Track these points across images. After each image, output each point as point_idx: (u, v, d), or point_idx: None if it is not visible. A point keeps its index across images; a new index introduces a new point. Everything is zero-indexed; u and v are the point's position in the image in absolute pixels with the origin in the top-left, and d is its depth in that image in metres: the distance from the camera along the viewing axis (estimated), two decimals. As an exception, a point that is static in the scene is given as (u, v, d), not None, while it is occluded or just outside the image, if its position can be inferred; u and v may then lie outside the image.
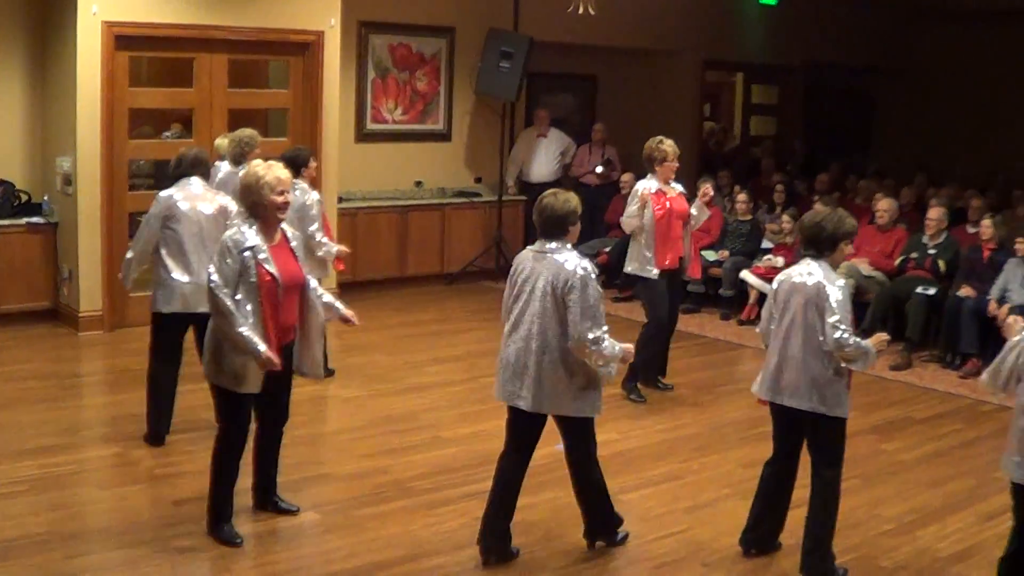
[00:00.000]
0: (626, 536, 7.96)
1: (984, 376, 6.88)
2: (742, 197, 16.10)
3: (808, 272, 7.26)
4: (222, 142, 12.05)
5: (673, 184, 11.39)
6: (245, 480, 8.08)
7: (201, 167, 9.67)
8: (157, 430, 9.55)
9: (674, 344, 11.91)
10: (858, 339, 7.12)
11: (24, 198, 13.21)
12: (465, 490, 8.78)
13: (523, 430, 7.49)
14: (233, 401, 7.59)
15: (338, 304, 8.04)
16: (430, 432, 10.14)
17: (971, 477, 9.58)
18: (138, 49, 13.12)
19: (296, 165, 10.92)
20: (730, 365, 13.29)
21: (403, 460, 9.29)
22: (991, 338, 12.85)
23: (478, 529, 7.67)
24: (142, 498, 8.40)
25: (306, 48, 14.26)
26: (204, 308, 8.36)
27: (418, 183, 16.64)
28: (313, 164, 11.31)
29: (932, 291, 13.41)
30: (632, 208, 11.17)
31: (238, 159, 11.32)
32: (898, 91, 23.74)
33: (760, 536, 7.75)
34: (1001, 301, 12.84)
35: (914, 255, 13.98)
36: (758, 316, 14.56)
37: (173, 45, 13.30)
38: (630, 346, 7.45)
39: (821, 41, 21.58)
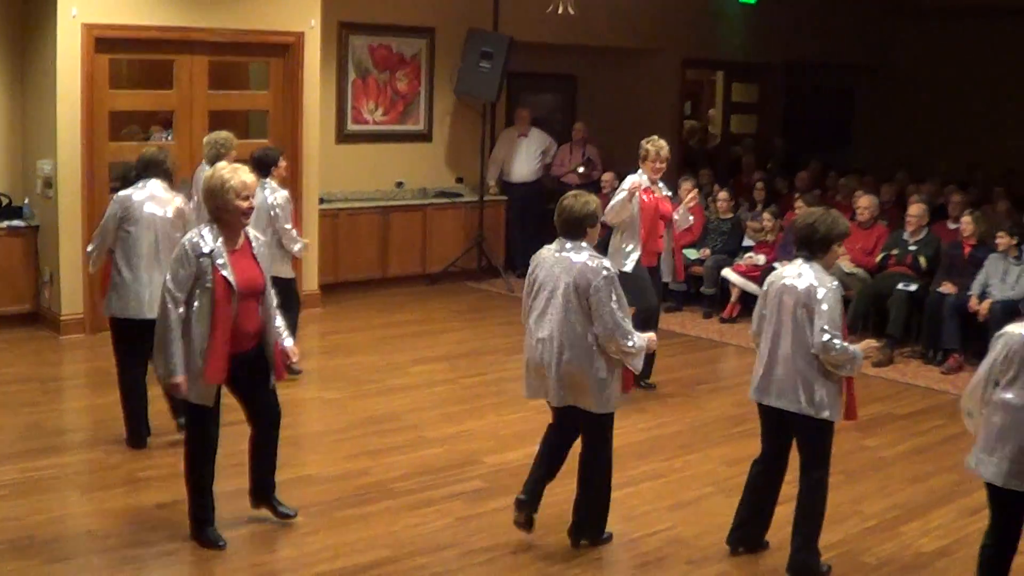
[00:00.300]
0: (610, 536, 7.96)
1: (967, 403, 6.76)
2: (723, 195, 16.12)
3: (799, 273, 7.23)
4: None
5: (660, 185, 11.37)
6: (238, 482, 8.08)
7: (157, 168, 9.59)
8: (137, 433, 9.52)
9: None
10: (846, 344, 7.11)
11: (5, 201, 13.17)
12: (448, 490, 8.77)
13: (557, 417, 7.78)
14: (199, 410, 7.56)
15: (287, 340, 7.86)
16: (413, 433, 10.13)
17: (954, 472, 9.59)
18: (118, 51, 13.08)
19: (265, 165, 10.97)
20: (712, 363, 13.30)
21: (386, 461, 9.28)
22: (972, 334, 12.90)
23: (463, 529, 7.71)
24: (124, 501, 8.36)
25: (286, 49, 14.23)
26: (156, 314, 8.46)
27: (399, 184, 16.63)
28: (283, 164, 11.34)
29: (913, 287, 13.44)
30: (618, 198, 11.07)
31: (214, 161, 11.29)
32: (878, 88, 23.80)
33: (748, 535, 7.74)
34: (982, 297, 12.87)
35: (895, 251, 14.01)
36: (740, 314, 14.77)
37: (153, 47, 13.26)
38: (652, 335, 7.70)
39: (801, 39, 21.60)
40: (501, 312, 15.14)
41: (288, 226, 10.96)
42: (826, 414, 7.20)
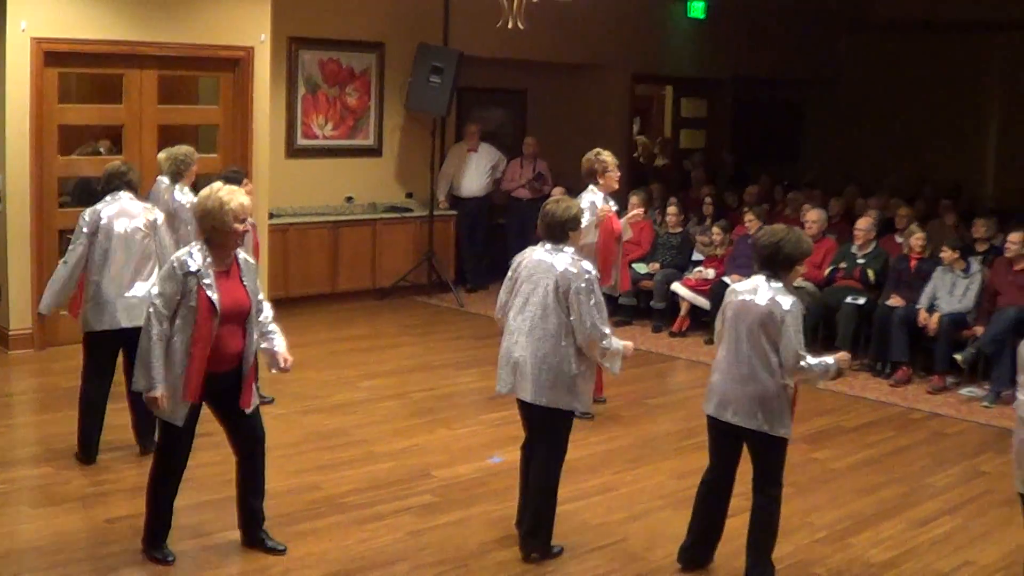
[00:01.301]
0: (560, 551, 7.97)
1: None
2: (672, 210, 16.17)
3: (759, 290, 7.24)
4: (163, 157, 11.96)
5: (610, 202, 11.27)
6: (192, 496, 8.04)
7: (121, 179, 9.54)
8: (89, 448, 9.48)
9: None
10: (817, 359, 7.17)
11: (-48, 216, 13.11)
12: (398, 505, 8.76)
13: (528, 420, 7.98)
14: (169, 428, 7.55)
15: (278, 346, 7.91)
16: (362, 448, 10.11)
17: (903, 484, 9.66)
18: (67, 65, 13.01)
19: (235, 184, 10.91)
20: (662, 377, 13.33)
21: (336, 476, 9.26)
22: (920, 346, 12.99)
23: (413, 543, 7.73)
24: (73, 517, 8.31)
25: (236, 64, 14.20)
26: (133, 324, 8.63)
27: (349, 198, 16.60)
28: (248, 185, 11.25)
29: (862, 301, 13.53)
30: (587, 221, 10.57)
31: (175, 176, 11.28)
32: (826, 103, 23.94)
33: (700, 553, 7.75)
34: (930, 310, 12.97)
35: (843, 265, 14.09)
36: (689, 328, 14.83)
37: (102, 61, 13.20)
38: (630, 343, 7.91)
39: (749, 54, 21.74)
40: (451, 327, 15.15)
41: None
42: (782, 432, 7.22)
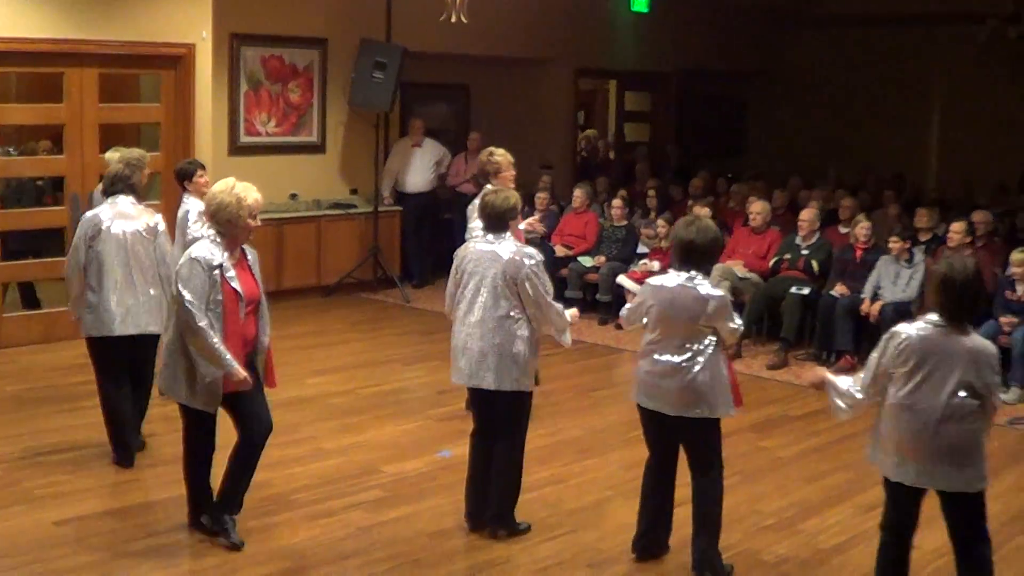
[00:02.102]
0: (528, 527, 8.14)
1: (859, 395, 6.84)
2: (617, 203, 16.19)
3: (682, 280, 7.37)
4: (112, 156, 11.87)
5: None
6: (138, 496, 8.01)
7: (123, 183, 9.46)
8: (125, 449, 9.39)
9: (553, 350, 11.85)
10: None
11: None
12: (348, 500, 8.75)
13: (486, 409, 8.06)
14: (206, 420, 7.73)
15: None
16: (311, 444, 10.07)
17: (849, 471, 9.72)
18: (6, 64, 12.93)
19: (184, 177, 10.87)
20: (609, 369, 13.36)
21: (285, 473, 9.23)
22: (865, 335, 13.07)
23: (364, 538, 7.76)
24: (22, 520, 8.24)
25: (177, 61, 14.14)
26: (129, 331, 8.91)
27: (293, 195, 16.54)
28: (203, 176, 11.15)
29: (806, 291, 13.60)
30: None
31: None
32: (769, 96, 24.06)
33: (653, 541, 7.76)
34: (874, 299, 13.06)
35: (788, 256, 14.16)
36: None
37: (42, 60, 13.09)
38: (575, 310, 8.26)
39: (693, 48, 21.81)
40: (397, 323, 15.14)
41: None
42: (720, 412, 7.34)
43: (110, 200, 9.42)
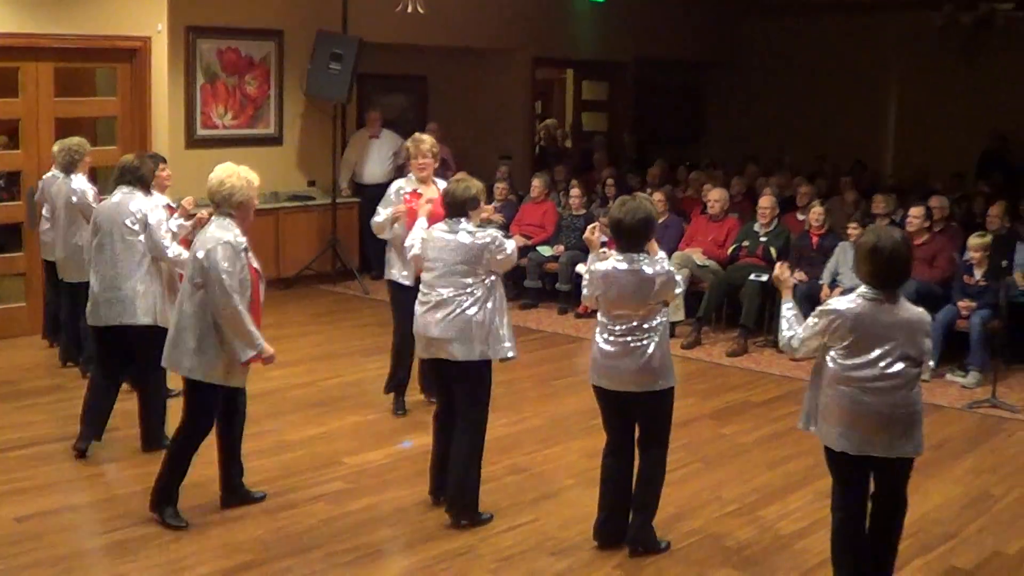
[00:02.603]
0: (491, 517, 8.19)
1: (794, 342, 6.99)
2: (575, 192, 16.20)
3: (625, 264, 7.53)
4: (54, 149, 11.86)
5: (437, 183, 10.49)
6: (99, 492, 7.97)
7: (133, 174, 9.58)
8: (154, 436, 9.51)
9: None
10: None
11: None
12: (311, 492, 8.74)
13: (451, 383, 8.21)
14: (216, 394, 8.03)
15: None
16: (273, 437, 10.04)
17: (809, 456, 9.73)
18: (-40, 60, 12.88)
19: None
20: (569, 358, 13.36)
21: (248, 465, 9.13)
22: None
23: (327, 530, 7.77)
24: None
25: (133, 55, 14.08)
26: (110, 323, 9.26)
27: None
28: (165, 170, 11.08)
29: (765, 278, 13.63)
30: (383, 216, 10.68)
31: (67, 168, 11.23)
32: (726, 84, 24.14)
33: (615, 527, 7.77)
34: (832, 285, 13.12)
35: (746, 243, 14.21)
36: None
37: (-3, 54, 13.06)
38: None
39: (649, 37, 21.84)
40: (357, 314, 15.11)
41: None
42: (670, 382, 7.52)
43: (117, 190, 9.55)
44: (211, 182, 7.95)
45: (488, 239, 8.02)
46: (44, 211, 11.75)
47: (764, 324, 13.75)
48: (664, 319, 7.55)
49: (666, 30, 22.02)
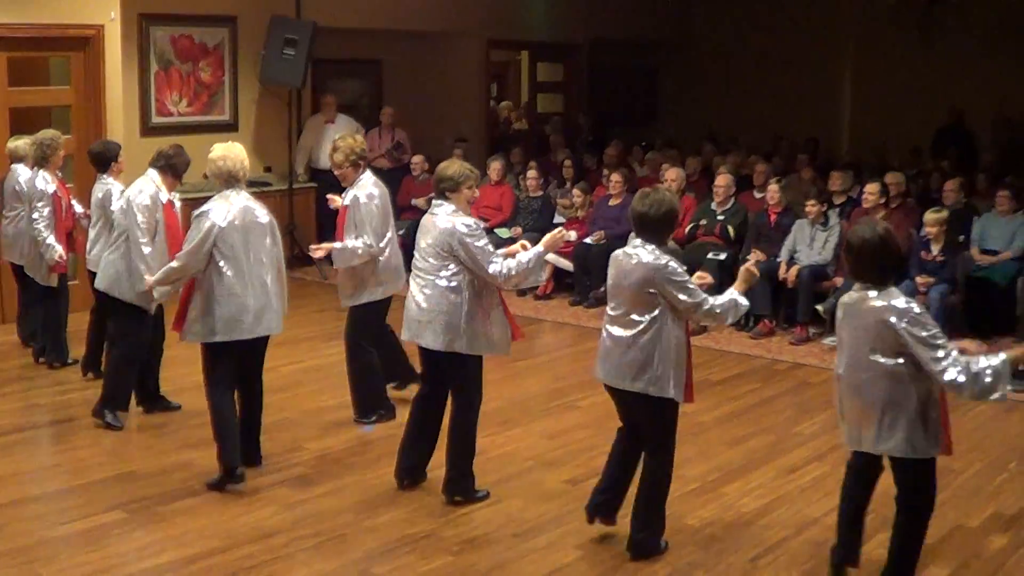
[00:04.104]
0: (487, 494, 8.31)
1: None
2: (532, 174, 16.23)
3: (627, 248, 7.31)
4: (17, 144, 11.76)
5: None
6: (64, 481, 7.95)
7: (159, 160, 10.02)
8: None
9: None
10: (715, 299, 7.30)
11: None
12: (272, 478, 8.74)
13: (429, 367, 8.38)
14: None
15: None
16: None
17: (770, 434, 9.82)
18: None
19: (105, 160, 10.77)
20: (529, 340, 13.29)
21: (208, 453, 9.12)
22: (782, 299, 13.19)
23: (289, 515, 7.81)
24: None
25: (86, 43, 14.01)
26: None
27: (207, 175, 16.38)
28: (123, 159, 11.09)
29: (723, 256, 13.68)
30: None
31: (41, 162, 11.19)
32: (680, 64, 24.17)
33: (606, 503, 7.69)
34: (790, 263, 13.17)
35: (704, 222, 14.25)
36: (554, 291, 14.91)
37: (-52, 45, 12.97)
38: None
39: (603, 18, 21.84)
40: (315, 300, 15.08)
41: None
42: (668, 393, 7.21)
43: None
44: (213, 162, 8.72)
45: (462, 227, 8.02)
46: (5, 209, 11.74)
47: (723, 303, 13.78)
48: (665, 322, 7.18)
49: (620, 10, 22.01)
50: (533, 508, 8.16)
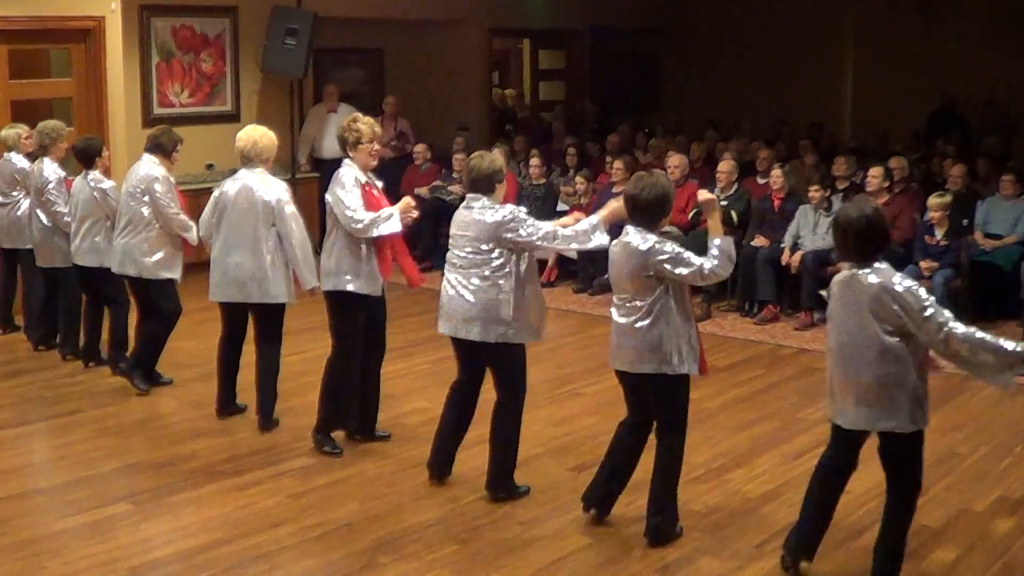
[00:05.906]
0: (528, 490, 8.23)
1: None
2: (535, 161, 16.21)
3: (622, 236, 7.32)
4: (8, 133, 11.79)
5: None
6: (71, 473, 7.93)
7: (151, 141, 10.51)
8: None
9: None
10: (708, 258, 7.18)
11: None
12: (277, 468, 8.74)
13: (470, 359, 8.35)
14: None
15: None
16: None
17: (775, 419, 9.81)
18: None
19: (89, 156, 10.78)
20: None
21: (212, 443, 9.19)
22: (786, 285, 13.17)
23: (294, 505, 7.80)
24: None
25: (87, 35, 14.00)
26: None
27: (209, 166, 16.40)
28: (106, 154, 11.14)
29: (727, 242, 13.65)
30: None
31: (43, 151, 11.21)
32: (681, 50, 24.08)
33: (606, 493, 7.74)
34: (794, 248, 13.15)
35: (707, 208, 14.21)
36: (558, 278, 14.89)
37: (-51, 38, 12.96)
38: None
39: (604, 5, 21.82)
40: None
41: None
42: (681, 369, 7.22)
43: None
44: (242, 142, 9.75)
45: (509, 216, 7.96)
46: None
47: (728, 288, 13.75)
48: (667, 303, 7.18)
49: (620, -2, 22.02)
50: (539, 496, 8.15)
